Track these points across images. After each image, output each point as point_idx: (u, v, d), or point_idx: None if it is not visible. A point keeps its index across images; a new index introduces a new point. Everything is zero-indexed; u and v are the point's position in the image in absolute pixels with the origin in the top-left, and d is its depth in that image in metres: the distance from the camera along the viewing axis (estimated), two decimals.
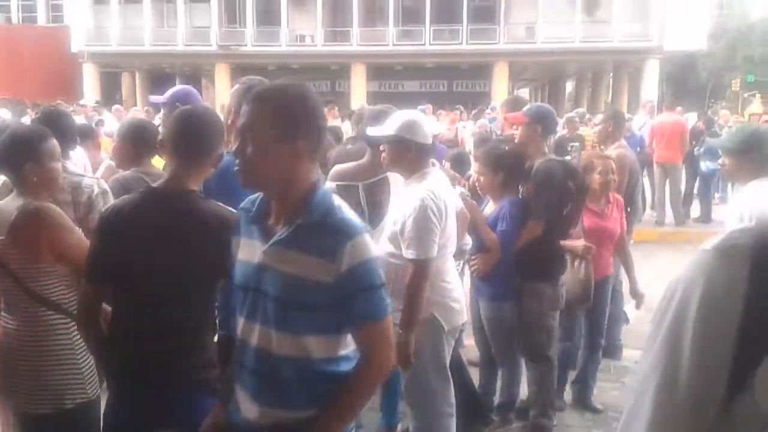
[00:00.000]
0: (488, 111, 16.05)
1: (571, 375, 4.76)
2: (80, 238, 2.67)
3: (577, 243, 4.28)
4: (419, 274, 3.19)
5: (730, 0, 62.48)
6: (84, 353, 2.68)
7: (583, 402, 4.69)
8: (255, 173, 1.87)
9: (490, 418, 4.33)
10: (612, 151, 5.72)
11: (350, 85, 36.42)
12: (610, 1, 35.29)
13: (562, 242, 4.23)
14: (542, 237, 4.04)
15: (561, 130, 10.05)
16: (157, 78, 40.59)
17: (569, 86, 48.72)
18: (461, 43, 35.56)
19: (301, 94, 1.89)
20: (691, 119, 13.69)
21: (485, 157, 4.27)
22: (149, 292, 2.23)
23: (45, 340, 2.66)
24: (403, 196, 3.34)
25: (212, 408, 2.13)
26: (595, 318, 4.61)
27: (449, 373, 3.47)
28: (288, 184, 1.88)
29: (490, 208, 4.28)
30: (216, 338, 2.47)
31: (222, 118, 10.03)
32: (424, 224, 3.16)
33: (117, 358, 2.34)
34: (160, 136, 3.52)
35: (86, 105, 16.28)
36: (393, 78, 39.27)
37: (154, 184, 2.49)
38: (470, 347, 4.75)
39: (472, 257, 4.21)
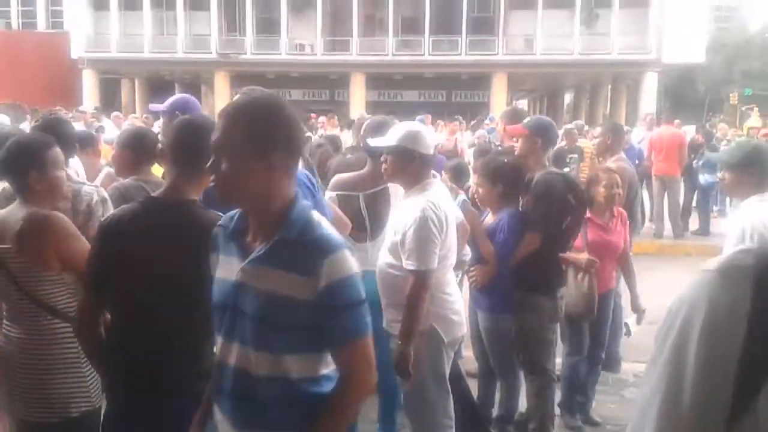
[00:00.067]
0: (487, 122, 16.09)
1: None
2: (87, 246, 2.67)
3: (581, 256, 4.28)
4: (419, 286, 3.18)
5: (729, 14, 62.84)
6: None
7: (581, 415, 4.67)
8: (230, 190, 1.83)
9: (489, 430, 4.31)
10: (611, 163, 5.72)
11: (349, 94, 36.51)
12: (609, 14, 35.47)
13: (565, 255, 4.23)
14: (541, 249, 4.03)
15: (560, 142, 10.05)
16: (157, 85, 40.66)
17: (567, 98, 48.85)
18: (460, 54, 35.70)
19: (274, 107, 1.85)
20: (690, 132, 13.71)
21: (484, 169, 4.27)
22: (148, 301, 2.22)
23: (51, 349, 2.65)
24: (404, 207, 3.33)
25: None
26: (597, 331, 4.58)
27: (449, 385, 3.46)
28: (264, 200, 1.83)
29: (489, 219, 4.28)
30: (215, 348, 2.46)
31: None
32: (424, 235, 3.15)
33: (115, 368, 2.33)
34: (159, 145, 3.52)
35: (85, 111, 16.26)
36: (392, 88, 39.36)
37: (154, 194, 2.49)
38: (469, 358, 4.73)
39: (471, 269, 4.20)
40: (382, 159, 3.38)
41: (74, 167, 4.60)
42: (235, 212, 1.96)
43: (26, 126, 8.89)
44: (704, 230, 11.66)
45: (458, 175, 5.62)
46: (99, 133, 9.79)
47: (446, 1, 36.45)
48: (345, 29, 36.94)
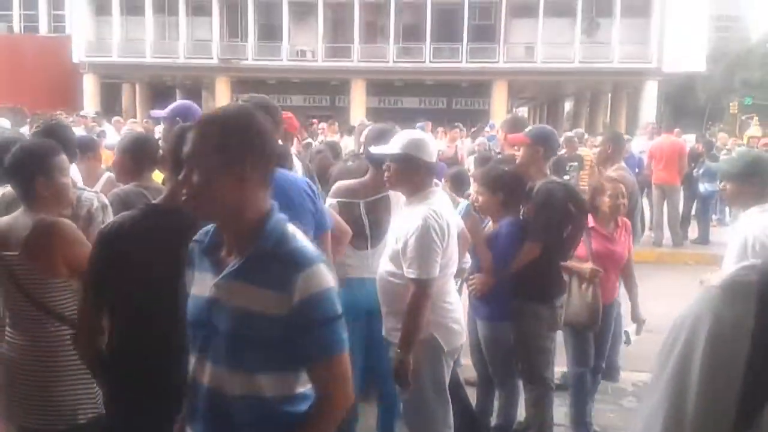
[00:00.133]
0: (487, 129, 16.11)
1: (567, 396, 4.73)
2: None
3: (585, 266, 4.28)
4: (420, 294, 3.17)
5: (729, 24, 63.01)
6: None
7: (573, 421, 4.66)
8: (202, 203, 1.78)
9: None
10: (611, 172, 5.73)
11: (350, 100, 36.56)
12: (610, 23, 35.57)
13: (569, 265, 4.24)
14: (541, 258, 4.02)
15: (560, 150, 10.06)
16: (158, 90, 40.74)
17: (568, 106, 48.94)
18: (461, 62, 35.78)
19: (247, 118, 1.82)
20: (690, 141, 13.74)
21: (484, 178, 4.27)
22: (148, 306, 2.22)
23: (59, 356, 2.65)
24: (406, 215, 3.33)
25: None
26: (599, 341, 4.56)
27: (448, 395, 3.45)
28: (237, 213, 1.78)
29: (490, 227, 4.28)
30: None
31: None
32: (426, 244, 3.15)
33: (115, 376, 2.32)
34: (160, 151, 3.52)
35: (86, 116, 16.28)
36: (392, 94, 39.43)
37: (154, 201, 2.49)
38: (467, 367, 4.72)
39: (470, 277, 4.20)
40: (384, 167, 3.38)
41: (72, 173, 4.60)
42: (211, 227, 1.92)
43: (25, 130, 8.87)
44: (703, 239, 11.67)
45: (458, 183, 5.63)
46: (100, 138, 9.80)
47: (447, 9, 36.55)
48: (346, 36, 37.03)
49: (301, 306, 1.71)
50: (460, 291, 4.46)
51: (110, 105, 36.76)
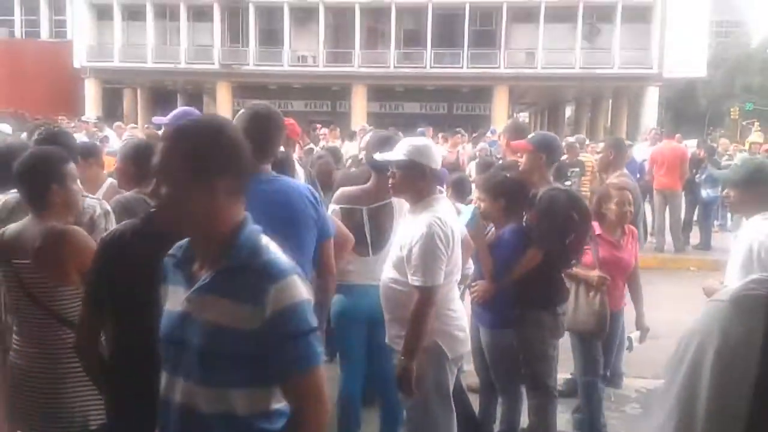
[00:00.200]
0: (489, 134, 16.11)
1: (572, 403, 4.71)
2: None
3: (592, 273, 4.27)
4: (425, 302, 3.16)
5: (730, 29, 63.10)
6: None
7: (583, 430, 4.64)
8: (171, 215, 1.77)
9: None
10: (613, 179, 5.72)
11: (351, 105, 36.60)
12: (611, 29, 35.63)
13: (576, 272, 4.23)
14: (543, 265, 4.01)
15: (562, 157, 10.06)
16: (159, 95, 40.83)
17: (568, 111, 48.98)
18: (462, 67, 35.84)
19: (216, 129, 1.78)
20: (691, 146, 13.74)
21: (486, 184, 4.27)
22: (150, 319, 2.21)
23: (70, 363, 2.64)
24: (410, 223, 3.32)
25: None
26: (605, 349, 4.54)
27: (452, 402, 3.43)
28: (208, 226, 1.75)
29: (493, 233, 4.26)
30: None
31: None
32: (431, 251, 3.14)
33: (117, 385, 2.31)
34: None
35: (88, 121, 16.29)
36: (393, 99, 39.49)
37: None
38: (470, 373, 4.71)
39: (473, 283, 4.19)
40: (389, 174, 3.37)
41: None
42: (186, 240, 1.88)
43: (23, 137, 8.84)
44: (705, 245, 11.65)
45: (460, 190, 5.63)
46: (103, 144, 9.80)
47: (448, 15, 36.63)
48: (347, 41, 37.10)
49: (274, 319, 1.67)
50: (462, 297, 4.45)
51: (112, 110, 36.79)
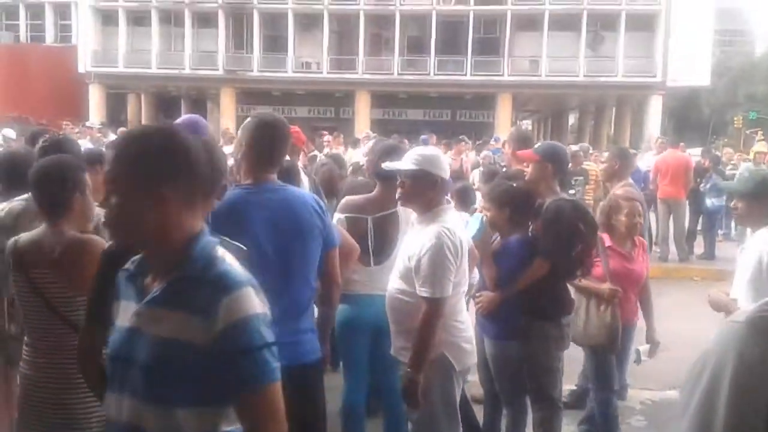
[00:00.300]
0: (492, 142, 16.11)
1: (578, 415, 4.68)
2: None
3: (603, 286, 4.24)
4: (433, 313, 3.14)
5: (734, 38, 63.18)
6: None
7: None
8: (121, 226, 1.69)
9: None
10: (618, 189, 5.69)
11: (354, 112, 36.68)
12: (615, 37, 35.68)
13: (587, 285, 4.21)
14: (549, 276, 3.98)
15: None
16: (163, 100, 40.99)
17: (572, 119, 49.02)
18: (465, 74, 35.91)
19: (166, 137, 1.70)
20: (694, 155, 13.73)
21: (491, 193, 4.24)
22: None
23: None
24: (418, 233, 3.31)
25: None
26: (618, 364, 4.49)
27: (459, 415, 3.41)
28: (161, 237, 1.67)
29: (498, 242, 4.24)
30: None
31: (223, 141, 10.04)
32: (440, 262, 3.12)
33: None
34: None
35: (92, 126, 16.33)
36: (397, 106, 39.54)
37: None
38: (474, 383, 4.69)
39: (477, 294, 4.17)
40: (398, 183, 3.35)
41: None
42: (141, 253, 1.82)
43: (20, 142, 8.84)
44: (710, 254, 11.62)
45: (464, 199, 5.61)
46: (109, 149, 9.78)
47: (452, 22, 36.72)
48: (351, 48, 37.20)
49: (226, 332, 1.58)
50: (467, 308, 4.43)
51: (116, 115, 36.95)
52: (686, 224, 11.66)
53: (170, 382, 1.62)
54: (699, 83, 36.92)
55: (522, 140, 5.28)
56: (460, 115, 39.82)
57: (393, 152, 3.75)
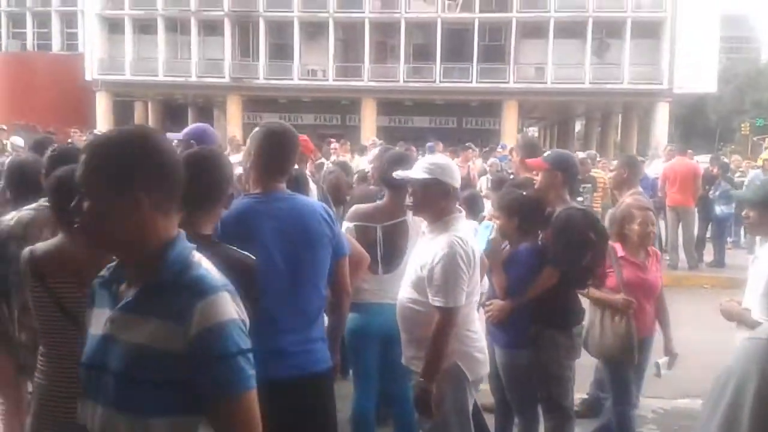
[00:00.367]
0: (499, 149, 16.10)
1: (590, 424, 4.64)
2: None
3: (617, 297, 4.20)
4: (446, 323, 3.12)
5: (740, 45, 63.14)
6: None
7: None
8: (94, 232, 1.64)
9: None
10: (627, 197, 5.65)
11: (360, 119, 36.74)
12: (621, 44, 35.67)
13: (601, 296, 4.18)
14: (559, 285, 3.95)
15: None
16: (170, 108, 41.15)
17: (578, 126, 48.99)
18: (471, 82, 35.94)
19: (140, 139, 1.65)
20: (702, 162, 13.69)
21: (500, 202, 4.23)
22: None
23: None
24: (428, 241, 3.29)
25: None
26: (637, 377, 4.41)
27: (472, 425, 3.38)
28: (134, 243, 1.63)
29: (507, 250, 4.22)
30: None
31: (230, 149, 10.02)
32: (453, 271, 3.11)
33: None
34: None
35: None
36: (403, 113, 39.59)
37: None
38: (485, 392, 4.66)
39: (487, 302, 4.14)
40: (410, 192, 3.34)
41: None
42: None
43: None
44: (719, 262, 11.57)
45: (473, 207, 5.58)
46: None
47: (457, 30, 36.80)
48: (357, 55, 37.29)
49: (199, 338, 1.54)
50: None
51: (122, 123, 36.91)
52: (695, 232, 11.61)
53: (144, 391, 1.57)
54: (705, 90, 36.86)
55: (530, 148, 5.28)
56: (466, 122, 39.84)
57: (402, 161, 3.74)
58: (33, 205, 3.18)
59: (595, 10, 35.15)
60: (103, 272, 1.78)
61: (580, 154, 12.60)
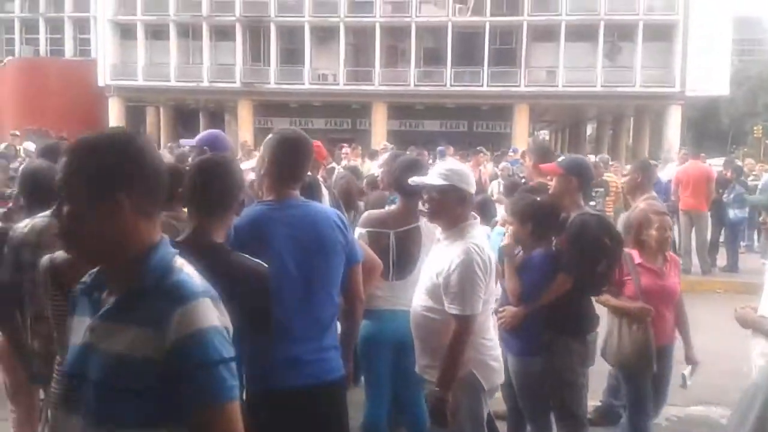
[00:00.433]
0: (511, 153, 16.06)
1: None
2: None
3: (634, 305, 4.16)
4: (463, 331, 3.10)
5: (753, 47, 62.80)
6: None
7: None
8: (74, 236, 1.59)
9: None
10: (641, 202, 5.61)
11: (371, 123, 36.77)
12: (632, 47, 35.54)
13: (618, 304, 4.15)
14: (573, 292, 3.92)
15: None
16: (182, 113, 41.33)
17: (589, 129, 48.82)
18: (482, 85, 35.90)
19: (122, 141, 1.62)
20: (715, 165, 13.61)
21: (514, 207, 4.19)
22: None
23: None
24: (443, 248, 3.27)
25: None
26: (657, 388, 4.31)
27: None
28: (115, 249, 1.58)
29: (521, 256, 4.19)
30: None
31: (241, 154, 10.05)
32: (470, 278, 3.09)
33: None
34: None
35: None
36: (413, 117, 39.60)
37: (178, 239, 2.45)
38: (497, 399, 4.63)
39: (500, 309, 4.11)
40: (426, 198, 3.32)
41: None
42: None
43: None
44: (732, 266, 11.47)
45: (485, 212, 5.55)
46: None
47: (468, 33, 36.76)
48: (367, 59, 37.34)
49: (179, 346, 1.49)
50: None
51: (134, 128, 37.13)
52: (708, 236, 11.52)
53: (124, 401, 1.52)
54: (718, 93, 36.64)
55: (543, 153, 5.24)
56: (476, 126, 39.78)
57: (416, 167, 3.73)
58: (46, 213, 3.19)
59: (607, 13, 35.05)
60: (85, 278, 1.73)
61: (592, 158, 12.56)
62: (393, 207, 4.04)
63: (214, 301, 1.58)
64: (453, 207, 3.25)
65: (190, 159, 4.79)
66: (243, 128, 35.93)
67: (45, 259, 2.75)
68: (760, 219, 3.74)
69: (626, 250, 4.25)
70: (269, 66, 37.49)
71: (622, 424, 4.51)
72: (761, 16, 71.16)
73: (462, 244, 3.16)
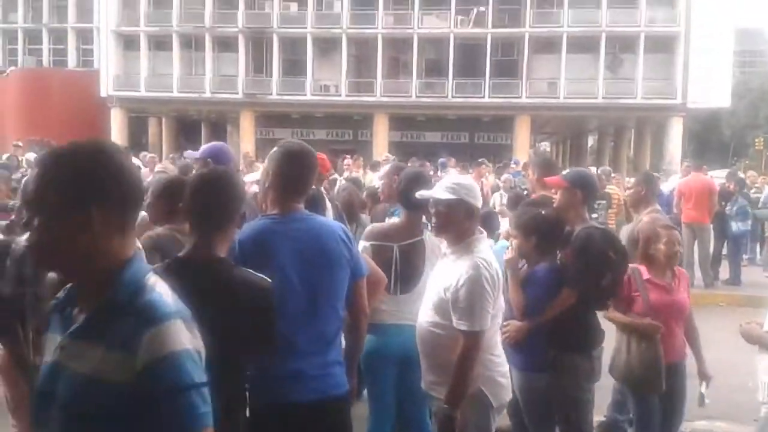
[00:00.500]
0: (513, 165, 16.05)
1: None
2: None
3: (642, 321, 4.11)
4: (471, 347, 3.06)
5: (754, 59, 62.91)
6: None
7: None
8: (44, 250, 1.53)
9: None
10: (645, 215, 5.58)
11: (373, 134, 36.78)
12: (634, 59, 35.57)
13: (626, 320, 4.11)
14: (577, 306, 3.88)
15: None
16: (184, 124, 41.42)
17: (591, 141, 48.82)
18: (483, 97, 35.91)
19: (95, 152, 1.56)
20: (717, 178, 13.58)
21: (518, 220, 4.16)
22: None
23: None
24: (450, 263, 3.24)
25: None
26: (669, 408, 4.23)
27: None
28: (86, 264, 1.53)
29: (525, 270, 4.16)
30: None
31: (243, 166, 10.06)
32: (478, 294, 3.06)
33: None
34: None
35: None
36: (415, 129, 39.64)
37: (180, 254, 2.43)
38: (502, 414, 4.59)
39: (504, 324, 4.08)
40: (433, 212, 3.30)
41: None
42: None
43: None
44: (735, 279, 11.42)
45: (489, 225, 5.53)
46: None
47: (470, 45, 36.81)
48: (369, 71, 37.41)
49: (148, 370, 1.42)
50: None
51: (137, 139, 37.36)
52: (711, 249, 11.47)
53: (90, 425, 1.46)
54: (719, 104, 36.63)
55: (546, 166, 5.23)
56: (478, 137, 39.80)
57: (420, 180, 3.70)
58: None
59: (608, 25, 35.12)
60: (59, 294, 1.67)
61: (594, 170, 12.53)
62: (397, 220, 4.02)
63: (186, 322, 1.51)
64: (461, 221, 3.22)
65: (193, 171, 4.78)
66: (245, 139, 35.96)
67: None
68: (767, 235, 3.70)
69: (634, 265, 4.21)
70: (271, 77, 37.57)
71: None
72: (763, 28, 71.45)
73: (469, 258, 3.13)
